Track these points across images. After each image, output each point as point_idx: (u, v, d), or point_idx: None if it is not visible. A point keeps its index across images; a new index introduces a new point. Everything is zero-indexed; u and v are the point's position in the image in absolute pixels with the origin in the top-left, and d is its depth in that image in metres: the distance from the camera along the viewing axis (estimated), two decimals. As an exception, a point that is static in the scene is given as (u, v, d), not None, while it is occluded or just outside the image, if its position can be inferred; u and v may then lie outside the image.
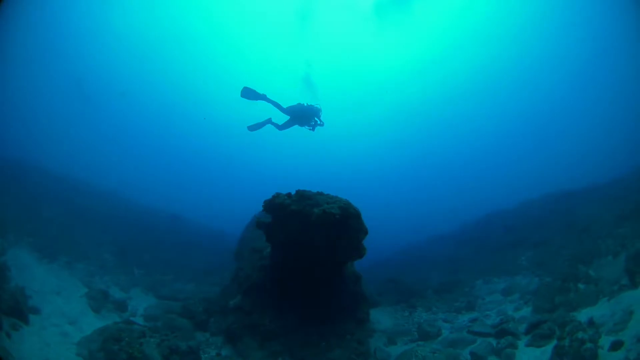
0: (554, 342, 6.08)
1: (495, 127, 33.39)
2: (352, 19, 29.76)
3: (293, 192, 13.58)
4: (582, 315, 6.61)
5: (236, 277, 9.72)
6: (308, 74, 28.23)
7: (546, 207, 14.47)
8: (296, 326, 7.39)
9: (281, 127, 11.47)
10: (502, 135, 33.17)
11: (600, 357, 4.85)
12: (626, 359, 4.34)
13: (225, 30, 32.91)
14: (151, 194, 25.89)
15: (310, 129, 11.20)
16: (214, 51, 33.72)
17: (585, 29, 24.78)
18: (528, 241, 13.04)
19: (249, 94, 11.20)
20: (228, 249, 20.04)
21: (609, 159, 18.86)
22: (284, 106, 11.11)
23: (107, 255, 12.69)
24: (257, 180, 38.93)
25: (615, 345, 4.94)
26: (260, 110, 12.21)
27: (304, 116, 10.92)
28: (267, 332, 7.41)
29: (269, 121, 11.63)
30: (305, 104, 10.92)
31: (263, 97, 11.08)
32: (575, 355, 5.03)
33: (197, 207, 27.03)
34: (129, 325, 7.47)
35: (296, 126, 11.60)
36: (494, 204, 17.78)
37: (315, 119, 10.93)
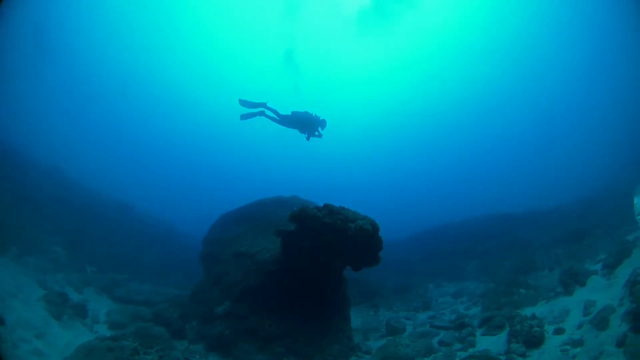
0: (506, 330, 8.03)
1: (449, 148, 37.70)
2: (335, 23, 32.42)
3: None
4: (526, 312, 8.58)
5: (218, 282, 9.95)
6: (291, 50, 29.80)
7: (489, 225, 17.13)
8: (296, 327, 8.13)
9: (278, 122, 12.22)
10: (454, 157, 37.46)
11: (547, 338, 6.78)
12: (570, 339, 6.23)
13: (200, 19, 32.70)
14: (98, 176, 24.65)
15: (306, 138, 12.06)
16: (181, 34, 32.97)
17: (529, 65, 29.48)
18: (473, 252, 15.45)
19: (245, 103, 12.17)
20: (180, 248, 20.36)
21: (548, 190, 22.51)
22: (289, 111, 11.94)
23: (58, 248, 12.32)
24: (213, 180, 38.96)
25: (558, 331, 6.86)
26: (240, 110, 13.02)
27: (307, 124, 11.76)
28: (267, 335, 7.92)
29: (261, 113, 12.29)
30: (313, 114, 11.77)
31: (262, 105, 12.06)
32: (527, 335, 6.89)
33: (146, 198, 26.37)
34: (117, 342, 7.20)
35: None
36: (441, 217, 20.40)
37: (319, 129, 11.84)
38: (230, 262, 10.22)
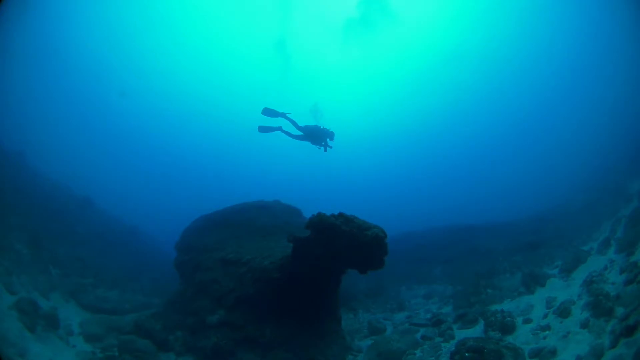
0: (480, 324, 9.79)
1: (415, 159, 40.86)
2: (322, 28, 35.10)
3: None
4: (495, 308, 10.40)
5: (204, 290, 10.38)
6: (282, 39, 32.46)
7: (451, 234, 19.21)
8: (296, 332, 8.82)
9: (293, 137, 13.49)
10: (421, 167, 40.53)
11: (518, 327, 8.56)
12: (538, 325, 8.04)
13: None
14: (58, 164, 23.66)
15: (322, 149, 13.38)
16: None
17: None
18: (438, 258, 17.37)
19: (269, 113, 13.34)
20: (145, 250, 20.50)
21: (504, 205, 25.33)
22: (301, 124, 13.25)
23: (20, 246, 12.19)
24: (180, 179, 38.52)
25: (527, 321, 8.68)
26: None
27: (317, 136, 13.09)
28: (268, 342, 8.55)
29: (279, 128, 13.53)
30: (322, 127, 13.13)
31: (283, 115, 13.31)
32: (501, 325, 8.64)
33: (108, 193, 25.79)
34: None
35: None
36: (405, 225, 22.32)
37: (328, 140, 13.19)
38: (218, 269, 10.76)
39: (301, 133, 13.35)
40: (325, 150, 13.42)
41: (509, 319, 8.85)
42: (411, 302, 14.19)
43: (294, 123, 13.32)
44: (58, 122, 32.13)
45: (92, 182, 27.22)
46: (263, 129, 13.72)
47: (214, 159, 43.29)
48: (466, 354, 6.65)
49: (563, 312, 7.98)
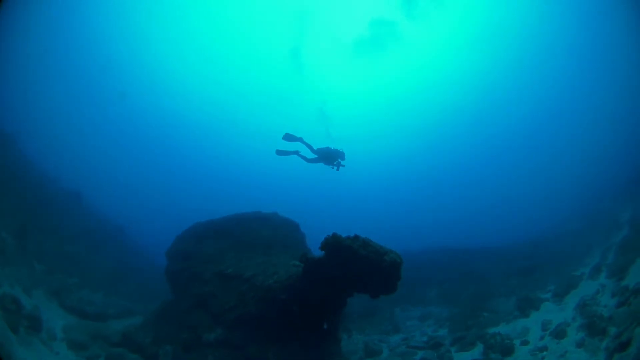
0: (478, 347, 10.31)
1: (408, 180, 42.19)
2: (334, 49, 37.64)
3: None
4: (491, 331, 11.03)
5: (201, 305, 10.33)
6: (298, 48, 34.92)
7: (446, 256, 19.81)
8: (297, 354, 8.86)
9: (308, 161, 14.58)
10: (413, 190, 41.76)
11: (517, 349, 9.11)
12: (535, 347, 8.63)
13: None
14: (53, 156, 23.96)
15: (335, 169, 14.33)
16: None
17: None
18: (433, 280, 17.92)
19: (289, 137, 14.43)
20: (131, 252, 20.55)
21: (500, 229, 26.12)
22: (315, 147, 14.31)
23: (6, 235, 12.01)
24: (170, 186, 38.55)
25: (524, 343, 9.30)
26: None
27: (329, 157, 14.07)
28: None
29: (296, 153, 14.60)
30: (332, 148, 14.11)
31: (300, 140, 14.37)
32: (501, 347, 9.21)
33: (99, 191, 25.88)
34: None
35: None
36: (399, 244, 22.86)
37: (339, 160, 14.11)
38: (216, 283, 10.73)
39: (315, 155, 14.32)
40: (338, 170, 14.29)
41: (507, 341, 9.43)
42: (406, 324, 14.63)
43: (309, 147, 14.32)
44: (55, 113, 32.04)
45: (83, 178, 27.13)
46: (281, 153, 14.76)
47: (206, 168, 43.68)
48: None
49: (559, 333, 8.60)
